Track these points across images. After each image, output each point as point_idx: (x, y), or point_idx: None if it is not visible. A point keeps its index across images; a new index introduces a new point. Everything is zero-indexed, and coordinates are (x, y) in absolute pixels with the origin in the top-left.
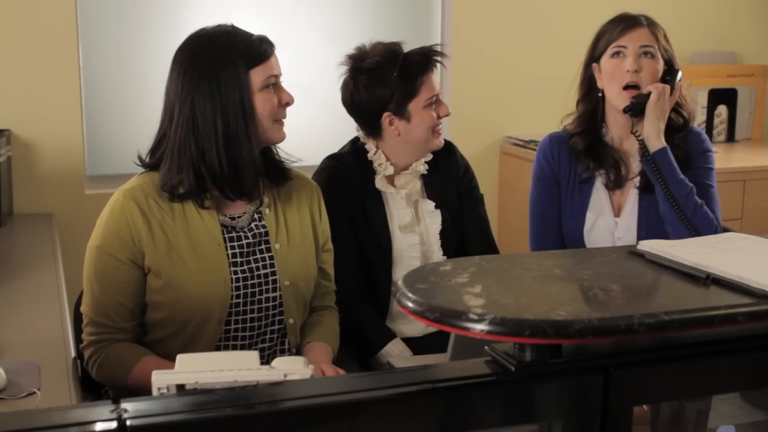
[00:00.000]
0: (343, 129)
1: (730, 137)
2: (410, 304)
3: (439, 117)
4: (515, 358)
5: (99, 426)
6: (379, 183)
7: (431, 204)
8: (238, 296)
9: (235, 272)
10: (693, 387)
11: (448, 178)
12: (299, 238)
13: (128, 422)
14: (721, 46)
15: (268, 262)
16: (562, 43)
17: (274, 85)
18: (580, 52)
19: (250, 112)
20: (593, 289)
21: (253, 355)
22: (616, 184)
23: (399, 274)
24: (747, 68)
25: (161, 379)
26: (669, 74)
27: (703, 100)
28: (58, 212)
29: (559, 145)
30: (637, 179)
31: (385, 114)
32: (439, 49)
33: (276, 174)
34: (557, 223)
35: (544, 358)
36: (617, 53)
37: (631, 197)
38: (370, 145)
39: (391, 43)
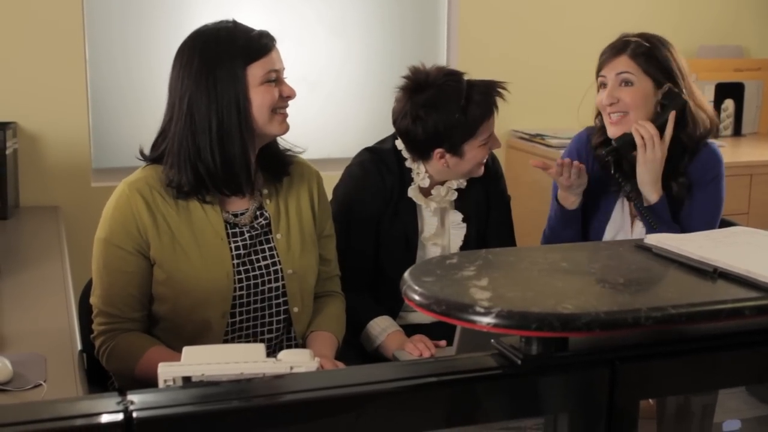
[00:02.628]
0: (349, 122)
1: (737, 131)
2: (417, 297)
3: (490, 149)
4: (522, 351)
5: (105, 417)
6: (412, 192)
7: (459, 216)
8: (240, 288)
9: (237, 265)
10: (699, 381)
11: (479, 186)
12: (299, 226)
13: (134, 414)
14: (728, 39)
15: (268, 253)
16: (568, 37)
17: (275, 80)
18: (586, 46)
19: (244, 108)
20: (600, 282)
21: (260, 348)
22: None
23: None
24: (754, 62)
25: (167, 371)
26: (666, 98)
27: (709, 94)
28: (64, 205)
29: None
30: None
31: (438, 150)
32: (502, 89)
33: (276, 169)
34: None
35: (550, 351)
36: (602, 84)
37: None
38: (409, 159)
39: (454, 77)
